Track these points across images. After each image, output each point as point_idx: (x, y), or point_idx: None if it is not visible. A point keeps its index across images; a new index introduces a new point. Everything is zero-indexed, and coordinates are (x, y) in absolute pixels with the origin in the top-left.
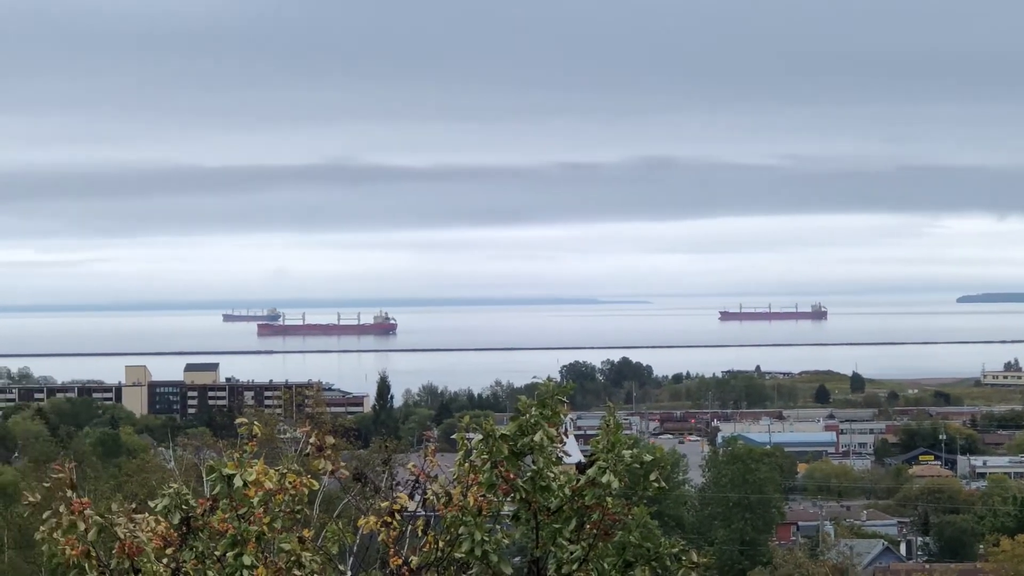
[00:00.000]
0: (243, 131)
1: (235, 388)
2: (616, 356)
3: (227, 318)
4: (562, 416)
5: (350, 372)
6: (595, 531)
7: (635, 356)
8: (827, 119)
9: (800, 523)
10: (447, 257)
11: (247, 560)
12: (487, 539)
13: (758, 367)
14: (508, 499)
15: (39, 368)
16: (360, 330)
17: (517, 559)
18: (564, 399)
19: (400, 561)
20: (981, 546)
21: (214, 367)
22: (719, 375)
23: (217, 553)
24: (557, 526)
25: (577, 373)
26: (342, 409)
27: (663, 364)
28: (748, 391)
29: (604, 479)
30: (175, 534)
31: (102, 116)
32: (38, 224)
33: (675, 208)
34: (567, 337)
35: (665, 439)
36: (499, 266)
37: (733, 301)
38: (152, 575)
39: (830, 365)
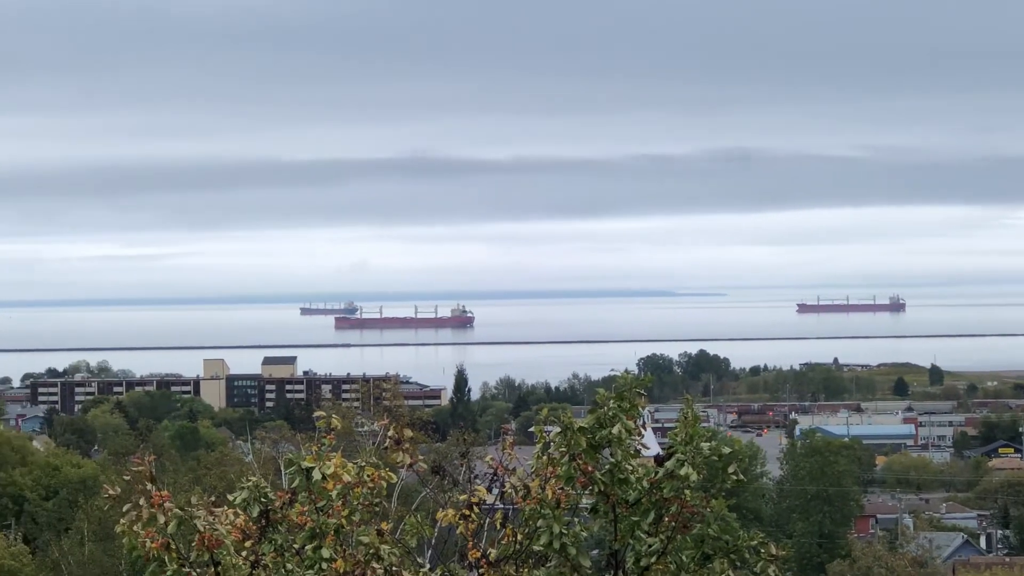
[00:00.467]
0: (323, 125)
1: (313, 381)
2: (693, 349)
3: (305, 311)
4: (640, 409)
5: (427, 365)
6: (673, 524)
7: (712, 349)
8: (906, 110)
9: (879, 516)
10: (525, 250)
11: (326, 553)
12: (565, 532)
13: (836, 359)
14: (586, 492)
15: (118, 361)
16: (437, 323)
17: (595, 552)
18: (642, 392)
19: (478, 554)
20: None
21: (292, 360)
22: (797, 368)
23: (296, 546)
24: (635, 519)
25: (654, 366)
26: (419, 402)
27: (740, 357)
28: (826, 383)
29: (682, 472)
30: (254, 527)
31: (185, 110)
32: (122, 218)
33: (753, 200)
34: (644, 330)
35: (743, 432)
36: (576, 259)
37: (811, 293)
38: (231, 568)
39: (908, 357)
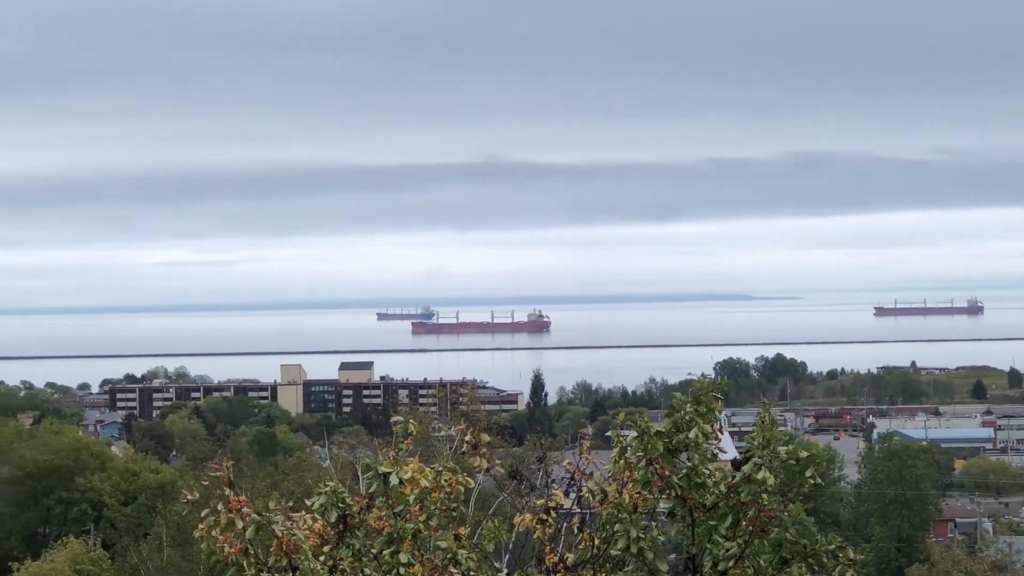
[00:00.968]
0: (398, 130)
1: (389, 386)
2: (770, 352)
3: (381, 317)
4: (717, 413)
5: (504, 370)
6: (751, 528)
7: (789, 352)
8: (979, 111)
9: (957, 520)
10: (600, 254)
11: (403, 558)
12: (643, 536)
13: (913, 363)
14: (664, 496)
15: (196, 367)
16: (514, 328)
17: (672, 556)
18: (719, 396)
19: (556, 558)
20: None
21: (368, 366)
22: (874, 371)
23: (374, 551)
24: (713, 523)
25: (731, 369)
26: (496, 407)
27: (817, 360)
28: (904, 387)
29: (760, 476)
30: (332, 532)
31: (258, 116)
32: (195, 224)
33: (828, 203)
34: (721, 333)
35: (820, 436)
36: (652, 262)
37: (888, 297)
38: (309, 573)
39: (987, 360)
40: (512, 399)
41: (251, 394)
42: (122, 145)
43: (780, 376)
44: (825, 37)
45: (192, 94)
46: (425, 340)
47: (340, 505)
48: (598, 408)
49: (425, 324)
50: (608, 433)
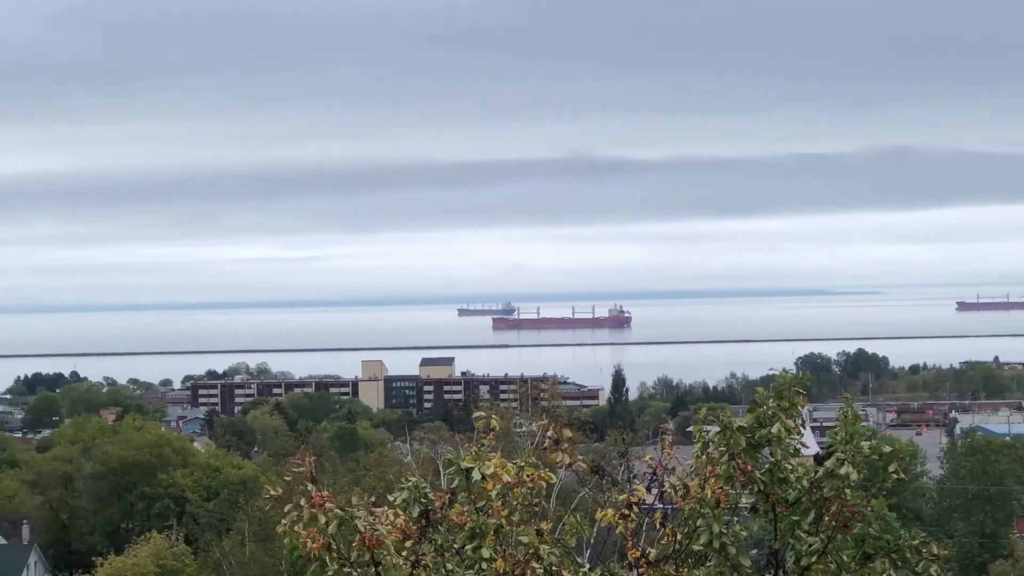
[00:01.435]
0: (481, 126)
1: (470, 382)
2: (851, 347)
3: (462, 312)
4: (799, 408)
5: (585, 365)
6: (834, 523)
7: (871, 347)
8: None
9: None
10: (681, 249)
11: (486, 553)
12: (725, 531)
13: (996, 357)
14: (746, 491)
15: (277, 363)
16: (595, 323)
17: (754, 551)
18: (801, 391)
19: (638, 553)
20: None
21: (449, 361)
22: (956, 366)
23: (456, 546)
24: (795, 518)
25: (812, 365)
26: (577, 402)
27: (899, 355)
28: (986, 382)
29: (842, 471)
30: (414, 527)
31: (342, 113)
32: (279, 221)
33: (911, 198)
34: (802, 328)
35: (902, 431)
36: (733, 258)
37: (970, 291)
38: (392, 568)
39: None
40: (593, 394)
41: (332, 390)
42: (207, 142)
43: (862, 371)
44: (911, 30)
45: (277, 91)
46: (506, 336)
47: (422, 500)
48: (679, 403)
49: (506, 320)
50: (690, 428)
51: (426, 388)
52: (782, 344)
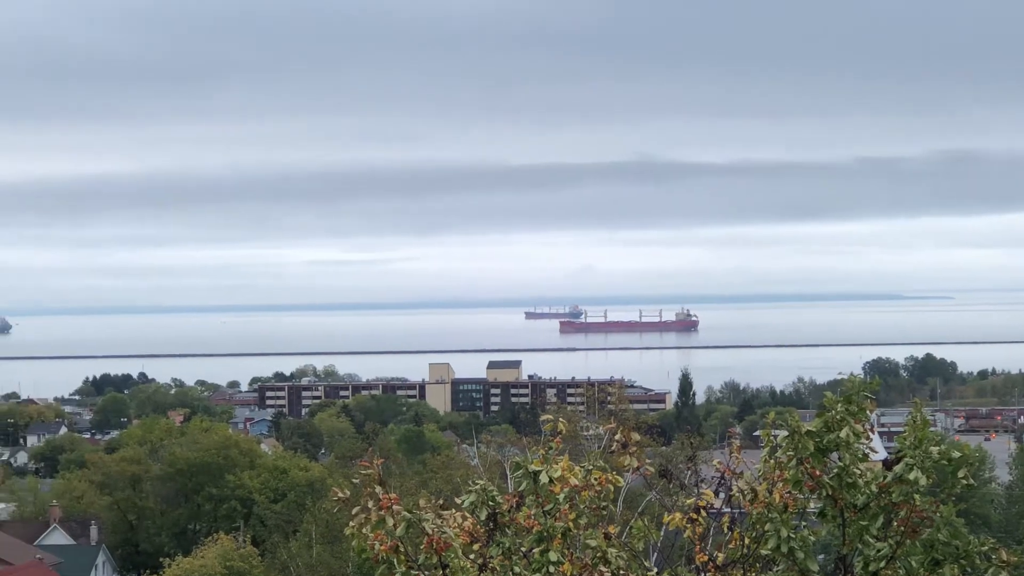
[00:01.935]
0: (548, 129)
1: (537, 385)
2: (920, 352)
3: (529, 316)
4: (868, 412)
5: (652, 369)
6: (902, 528)
7: (939, 352)
8: None
9: None
10: (749, 253)
11: (553, 556)
12: (793, 536)
13: None
14: (814, 496)
15: (345, 366)
16: (662, 327)
17: (822, 556)
18: (870, 395)
19: (705, 558)
20: None
21: (517, 364)
22: None
23: (523, 549)
24: (864, 523)
25: (880, 369)
26: (644, 406)
27: (968, 360)
28: None
29: (911, 476)
30: (482, 530)
31: (410, 115)
32: (345, 223)
33: (980, 202)
34: (870, 333)
35: (970, 436)
36: (800, 262)
37: None
38: (459, 570)
39: None
40: (660, 398)
41: (399, 392)
42: (273, 144)
43: (930, 376)
44: (978, 33)
45: (345, 93)
46: (573, 339)
47: (490, 503)
48: (746, 407)
49: (573, 323)
50: (757, 432)
51: (493, 391)
52: (850, 348)
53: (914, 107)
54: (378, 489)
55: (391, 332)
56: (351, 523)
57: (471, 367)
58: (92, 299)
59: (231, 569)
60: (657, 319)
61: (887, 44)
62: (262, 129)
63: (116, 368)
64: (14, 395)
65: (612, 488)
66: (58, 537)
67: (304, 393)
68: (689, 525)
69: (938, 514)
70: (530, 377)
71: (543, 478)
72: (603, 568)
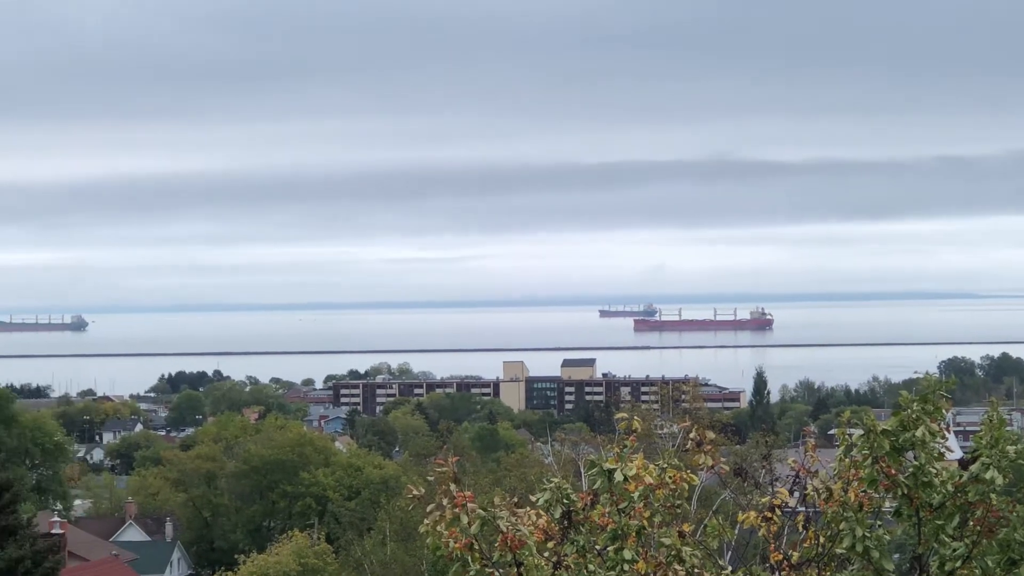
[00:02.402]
0: (622, 127)
1: (611, 383)
2: (995, 351)
3: (604, 314)
4: (943, 412)
5: (726, 367)
6: (979, 528)
7: (1015, 351)
8: None
9: None
10: (824, 252)
11: (627, 554)
12: (868, 535)
13: None
14: (889, 495)
15: (419, 364)
16: (736, 325)
17: (897, 556)
18: (946, 394)
19: (780, 556)
20: None
21: (591, 362)
22: None
23: (598, 547)
24: (939, 523)
25: (956, 368)
26: (718, 404)
27: None
28: None
29: (988, 475)
30: (556, 528)
31: (485, 113)
32: (420, 221)
33: None
34: (945, 332)
35: None
36: (876, 260)
37: None
38: (534, 568)
39: None
40: (734, 397)
41: (474, 390)
42: (349, 142)
43: (1006, 375)
44: None
45: (421, 91)
46: (647, 337)
47: (565, 501)
48: (820, 406)
49: (647, 321)
50: (832, 431)
51: (567, 389)
52: (925, 347)
53: (991, 105)
54: (453, 487)
55: (465, 330)
56: (426, 521)
57: (545, 365)
58: (168, 297)
59: (305, 566)
60: (732, 317)
61: (966, 41)
62: (337, 128)
63: (191, 366)
64: (90, 392)
65: (687, 486)
66: (134, 534)
67: (378, 391)
68: (764, 524)
69: (1015, 514)
70: (604, 375)
71: (618, 476)
72: (677, 566)
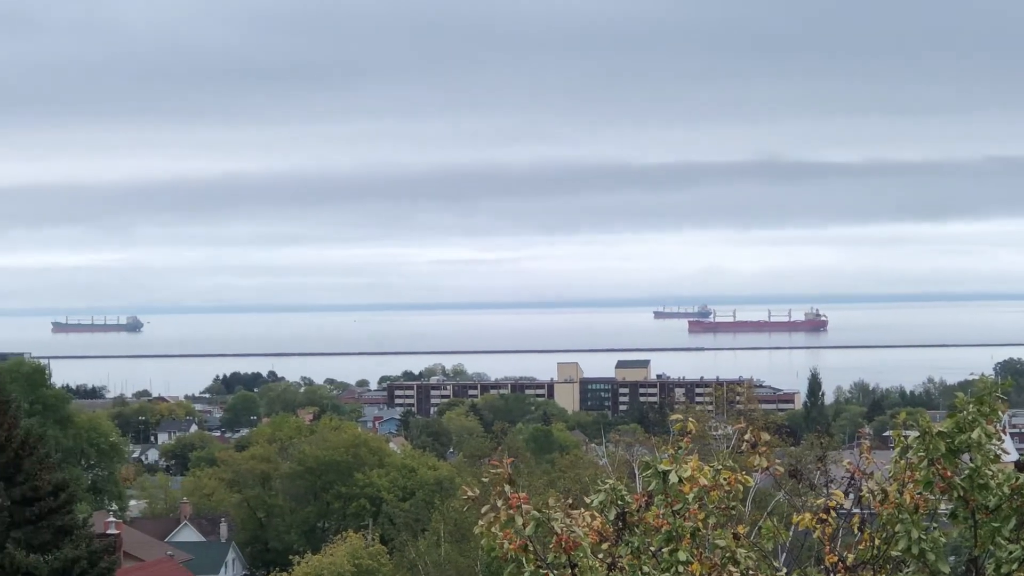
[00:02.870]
0: (677, 128)
1: (666, 384)
2: None
3: (658, 315)
4: (1000, 413)
5: (781, 369)
6: None
7: None
8: None
9: None
10: (878, 252)
11: (682, 556)
12: (924, 537)
13: None
14: (945, 497)
15: (473, 365)
16: (791, 327)
17: (953, 558)
18: (1002, 396)
19: (835, 558)
20: None
21: (645, 364)
22: None
23: (652, 548)
24: (996, 525)
25: (1012, 370)
26: (773, 406)
27: None
28: None
29: None
30: (610, 529)
31: (540, 114)
32: (474, 222)
33: None
34: (1001, 333)
35: None
36: (931, 261)
37: None
38: (588, 570)
39: None
40: (788, 398)
41: (528, 391)
42: (404, 143)
43: None
44: None
45: (477, 92)
46: (702, 338)
47: (619, 503)
48: (875, 408)
49: (702, 322)
50: (887, 433)
51: (622, 390)
52: (981, 349)
53: None
54: (507, 488)
55: (519, 331)
56: (480, 522)
57: (600, 366)
58: (222, 298)
59: (360, 567)
60: (786, 319)
61: (1016, 42)
62: (393, 128)
63: (246, 367)
64: (145, 393)
65: (741, 488)
66: (188, 534)
67: (433, 392)
68: (819, 525)
69: None
70: (659, 376)
71: (672, 478)
72: (732, 568)
